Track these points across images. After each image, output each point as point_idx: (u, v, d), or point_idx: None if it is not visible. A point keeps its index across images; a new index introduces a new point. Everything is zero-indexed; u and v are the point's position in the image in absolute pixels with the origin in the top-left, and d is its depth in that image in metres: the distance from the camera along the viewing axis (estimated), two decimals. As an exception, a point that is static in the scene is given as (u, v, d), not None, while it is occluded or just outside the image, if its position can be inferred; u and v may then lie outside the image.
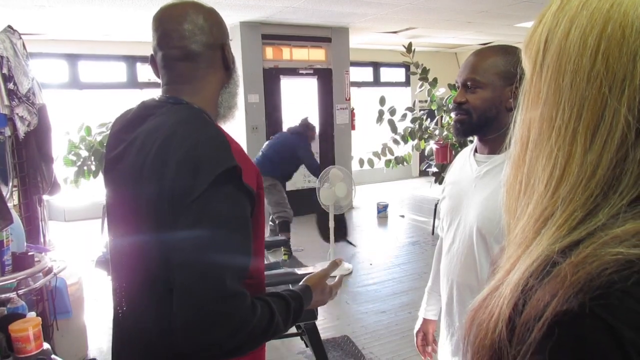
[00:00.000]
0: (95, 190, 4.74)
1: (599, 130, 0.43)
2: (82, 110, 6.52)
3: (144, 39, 6.75)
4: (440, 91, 5.40)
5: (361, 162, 5.39)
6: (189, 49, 1.03)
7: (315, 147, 7.11)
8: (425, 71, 5.21)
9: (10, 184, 2.48)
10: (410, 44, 5.09)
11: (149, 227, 0.94)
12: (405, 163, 5.58)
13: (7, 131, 2.43)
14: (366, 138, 7.96)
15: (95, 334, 3.28)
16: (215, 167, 0.88)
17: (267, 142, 5.28)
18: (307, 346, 2.55)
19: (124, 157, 1.03)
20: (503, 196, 0.53)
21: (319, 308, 2.18)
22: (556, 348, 0.37)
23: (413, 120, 5.39)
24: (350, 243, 5.46)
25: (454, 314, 1.33)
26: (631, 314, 0.35)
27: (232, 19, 6.04)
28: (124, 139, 1.04)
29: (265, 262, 2.71)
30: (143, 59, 7.16)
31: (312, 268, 3.21)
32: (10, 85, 2.38)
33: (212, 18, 1.06)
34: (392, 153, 5.37)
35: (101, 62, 7.11)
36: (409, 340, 3.00)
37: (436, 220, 5.73)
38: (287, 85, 6.90)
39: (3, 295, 1.94)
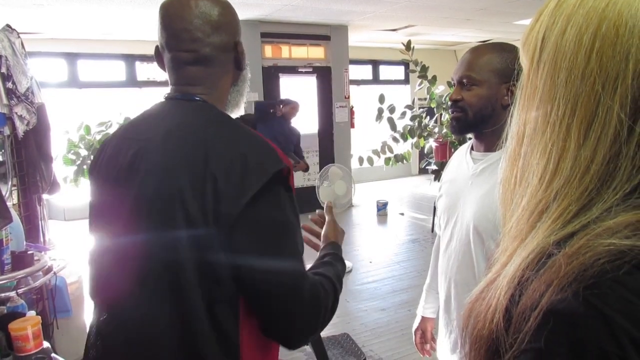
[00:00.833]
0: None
1: (593, 126, 0.44)
2: (81, 109, 6.52)
3: (143, 37, 6.74)
4: (440, 89, 5.41)
5: (361, 160, 5.40)
6: (201, 53, 0.94)
7: (315, 145, 7.12)
8: (424, 69, 5.21)
9: (10, 183, 2.48)
10: (409, 42, 5.10)
11: (179, 227, 0.84)
12: (404, 161, 5.59)
13: (6, 130, 2.44)
14: (366, 136, 7.95)
15: (96, 332, 3.28)
16: (268, 168, 0.86)
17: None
18: (306, 344, 2.56)
19: (137, 157, 0.92)
20: (499, 189, 0.54)
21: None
22: (551, 336, 0.38)
23: (412, 118, 5.40)
24: None
25: (452, 312, 1.33)
26: (623, 302, 0.36)
27: (231, 18, 6.03)
28: (138, 139, 0.95)
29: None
30: (142, 58, 7.16)
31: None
32: (9, 84, 2.38)
33: (227, 14, 0.97)
34: (391, 151, 5.38)
35: (100, 61, 7.10)
36: (408, 338, 3.00)
37: (435, 218, 5.74)
38: (287, 84, 6.89)
39: (3, 294, 1.95)
